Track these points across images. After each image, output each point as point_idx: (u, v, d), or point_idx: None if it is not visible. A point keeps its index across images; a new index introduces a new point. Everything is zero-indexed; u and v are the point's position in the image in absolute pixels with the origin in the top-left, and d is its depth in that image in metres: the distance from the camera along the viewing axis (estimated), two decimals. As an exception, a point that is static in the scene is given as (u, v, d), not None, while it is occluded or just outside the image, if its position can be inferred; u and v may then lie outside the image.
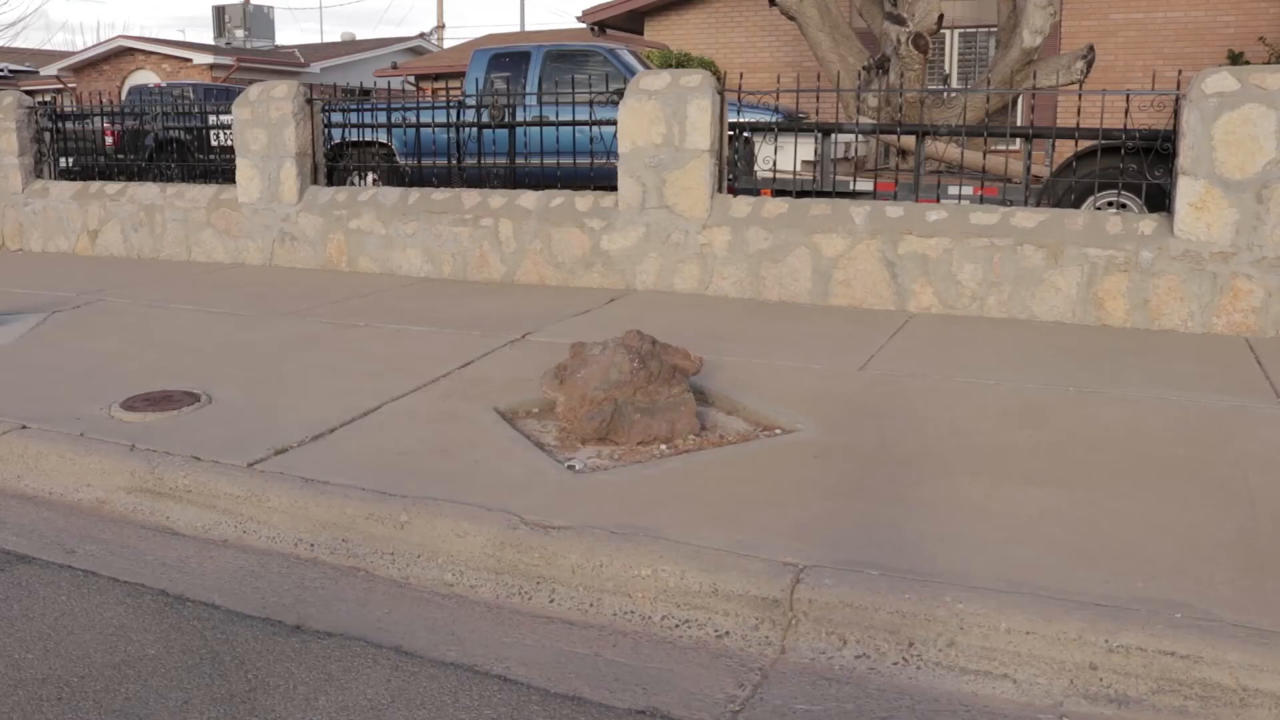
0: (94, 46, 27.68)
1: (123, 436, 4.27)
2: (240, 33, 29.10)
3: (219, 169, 9.66)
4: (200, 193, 9.10)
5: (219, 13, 29.48)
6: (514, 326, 6.12)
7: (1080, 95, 6.93)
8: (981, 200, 7.32)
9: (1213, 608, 2.78)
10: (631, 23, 18.31)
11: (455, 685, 2.76)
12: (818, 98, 7.94)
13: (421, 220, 8.01)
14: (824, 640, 2.90)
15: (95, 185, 9.71)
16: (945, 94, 11.33)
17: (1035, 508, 3.47)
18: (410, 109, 8.76)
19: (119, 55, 27.37)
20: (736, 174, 7.96)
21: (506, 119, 8.39)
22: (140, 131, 10.25)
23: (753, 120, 8.78)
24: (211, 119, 9.98)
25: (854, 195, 8.09)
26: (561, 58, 11.78)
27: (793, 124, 8.30)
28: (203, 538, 3.72)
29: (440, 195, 8.07)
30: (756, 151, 8.32)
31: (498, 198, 7.86)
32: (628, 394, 4.19)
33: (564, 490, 3.67)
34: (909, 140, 8.68)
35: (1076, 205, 7.34)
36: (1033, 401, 4.61)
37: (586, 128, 7.91)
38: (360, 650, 2.93)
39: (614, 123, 7.42)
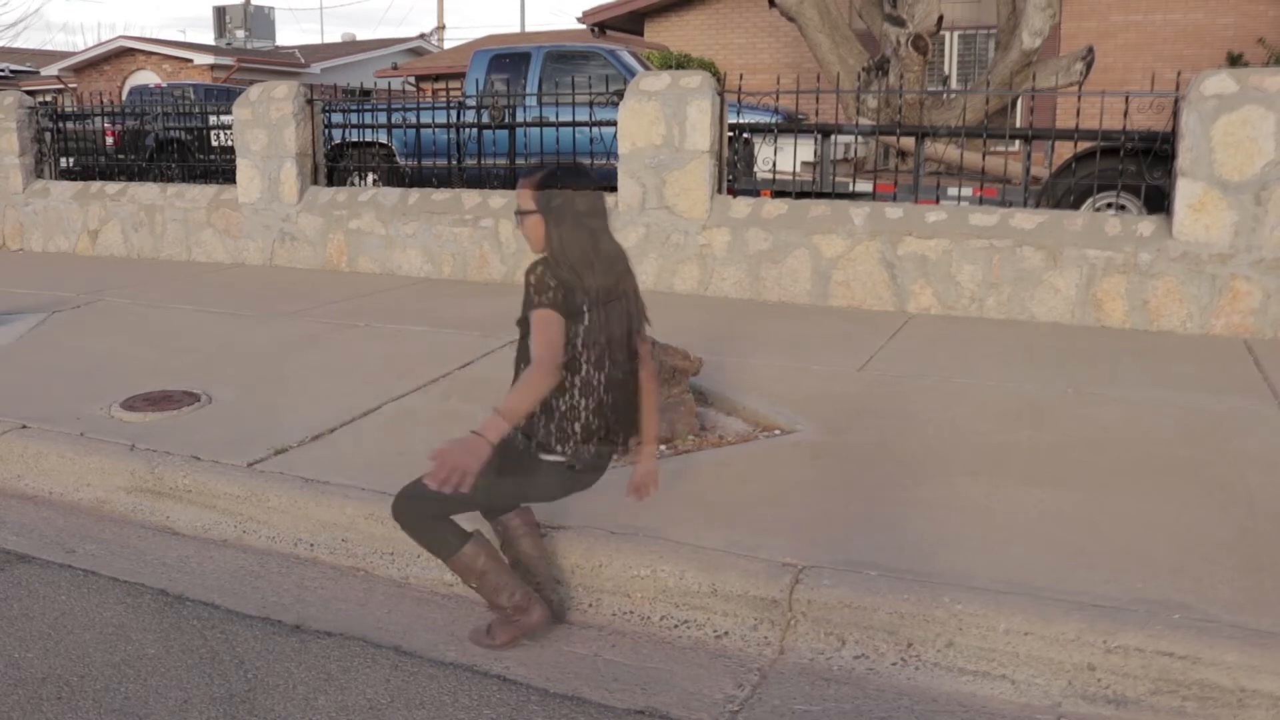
0: (95, 47, 27.67)
1: (123, 436, 4.27)
2: (241, 33, 29.11)
3: (219, 169, 9.67)
4: (200, 193, 9.10)
5: (219, 13, 29.50)
6: (514, 327, 6.11)
7: (1079, 97, 6.95)
8: (981, 201, 7.33)
9: (1211, 608, 2.78)
10: (632, 24, 18.31)
11: (455, 685, 2.76)
12: (817, 99, 7.94)
13: (421, 220, 8.02)
14: (823, 640, 2.91)
15: (96, 185, 9.71)
16: (945, 95, 11.33)
17: (1034, 508, 3.47)
18: (410, 109, 8.77)
19: (120, 55, 27.36)
20: (736, 175, 7.96)
21: (506, 120, 8.40)
22: (141, 132, 10.26)
23: (752, 121, 8.78)
24: (212, 119, 9.99)
25: (853, 196, 8.09)
26: (561, 58, 11.77)
27: (792, 125, 8.31)
28: (203, 538, 3.72)
29: (440, 196, 8.08)
30: (756, 152, 8.32)
31: (498, 198, 7.87)
32: (627, 394, 4.19)
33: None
34: (908, 141, 8.68)
35: (1076, 207, 7.33)
36: (1032, 402, 4.62)
37: (586, 128, 7.92)
38: (360, 650, 2.94)
39: (614, 123, 7.43)
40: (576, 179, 2.81)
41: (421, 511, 2.81)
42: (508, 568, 2.95)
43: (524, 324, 2.76)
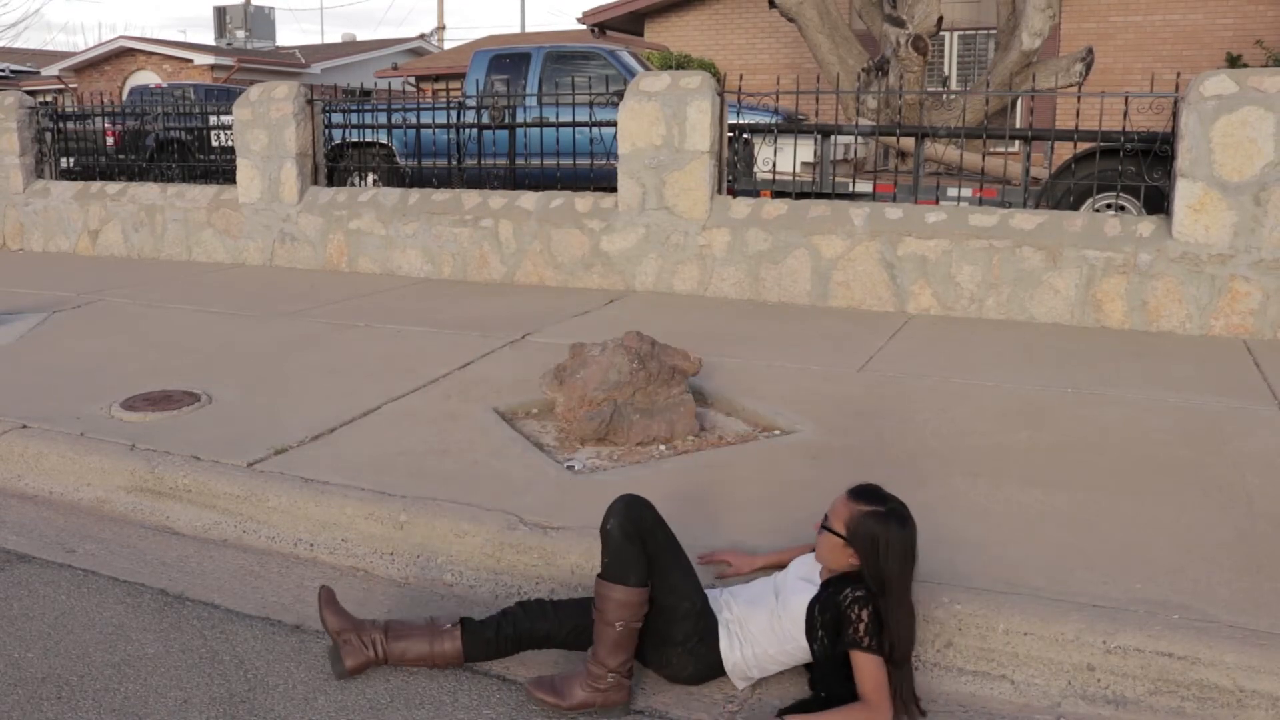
0: (95, 47, 27.70)
1: (123, 436, 4.27)
2: (241, 33, 29.14)
3: (219, 169, 9.68)
4: (201, 193, 9.11)
5: (220, 13, 29.52)
6: (514, 327, 6.13)
7: (1079, 97, 6.95)
8: (980, 202, 7.33)
9: (1210, 609, 2.78)
10: (632, 24, 18.32)
11: (454, 685, 2.76)
12: (817, 99, 7.95)
13: (422, 221, 8.02)
14: (822, 641, 2.91)
15: (96, 185, 9.72)
16: (944, 96, 11.34)
17: (1033, 508, 3.47)
18: (410, 110, 8.77)
19: (120, 56, 27.39)
20: (736, 175, 7.97)
21: (506, 120, 8.40)
22: (141, 132, 10.27)
23: (752, 122, 8.79)
24: (212, 119, 9.99)
25: (853, 197, 8.10)
26: (562, 59, 11.78)
27: (792, 125, 8.32)
28: (202, 537, 3.73)
29: (440, 196, 8.08)
30: (756, 153, 8.33)
31: (498, 198, 7.87)
32: (627, 395, 4.20)
33: (563, 490, 3.67)
34: (908, 142, 8.68)
35: (1075, 207, 7.35)
36: (1031, 402, 4.62)
37: (586, 129, 7.93)
38: (359, 650, 2.94)
39: (614, 124, 7.43)
40: (903, 525, 2.62)
41: (631, 535, 2.63)
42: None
43: (832, 651, 2.59)
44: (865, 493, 2.67)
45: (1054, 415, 4.45)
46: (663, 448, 4.16)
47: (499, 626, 2.76)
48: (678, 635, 2.68)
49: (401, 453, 4.06)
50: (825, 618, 2.59)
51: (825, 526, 2.65)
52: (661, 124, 7.09)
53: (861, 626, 2.53)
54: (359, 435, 4.28)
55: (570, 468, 3.94)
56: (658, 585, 2.67)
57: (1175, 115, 6.21)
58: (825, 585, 2.65)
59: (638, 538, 2.63)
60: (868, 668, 2.51)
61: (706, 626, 2.70)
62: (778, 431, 4.36)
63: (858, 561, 2.61)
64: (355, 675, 2.77)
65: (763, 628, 2.68)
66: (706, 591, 2.79)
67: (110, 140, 10.69)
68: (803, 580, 2.71)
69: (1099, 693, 2.67)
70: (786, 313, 6.64)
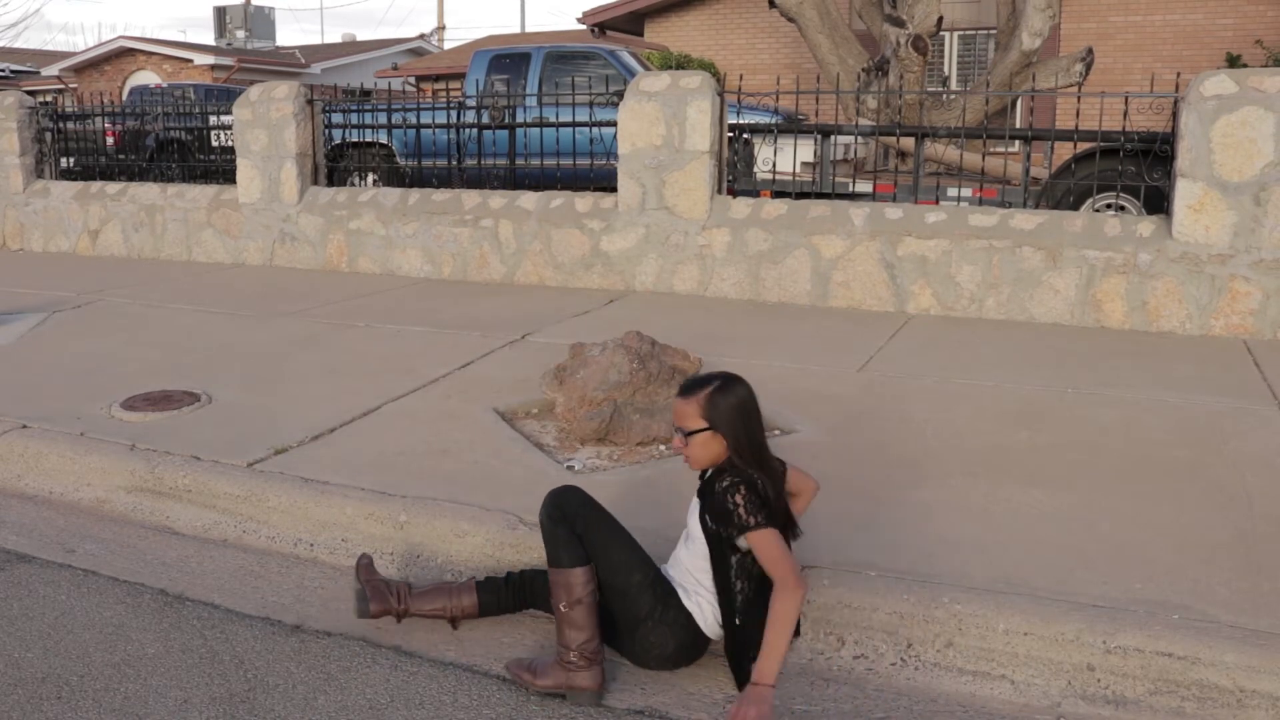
0: (95, 47, 27.70)
1: (123, 436, 4.28)
2: (241, 33, 29.14)
3: (220, 169, 9.68)
4: (201, 193, 9.11)
5: (220, 13, 29.53)
6: (514, 327, 6.13)
7: (1079, 97, 6.95)
8: (980, 202, 7.33)
9: (1210, 609, 2.79)
10: (632, 24, 18.31)
11: (454, 685, 2.76)
12: (817, 99, 7.95)
13: (422, 221, 8.02)
14: (822, 641, 2.91)
15: (96, 185, 9.72)
16: (944, 96, 11.34)
17: (1033, 509, 3.48)
18: (410, 110, 8.78)
19: (120, 56, 27.39)
20: (736, 175, 7.97)
21: (506, 120, 8.41)
22: (141, 132, 10.27)
23: (752, 122, 8.79)
24: (212, 119, 10.00)
25: (853, 197, 8.10)
26: (562, 59, 11.78)
27: (792, 125, 8.31)
28: (202, 537, 3.73)
29: (440, 196, 8.08)
30: (756, 153, 8.33)
31: (498, 199, 7.87)
32: (627, 395, 4.20)
33: (563, 491, 3.67)
34: (908, 142, 8.69)
35: (1075, 207, 7.35)
36: (1031, 403, 4.62)
37: (586, 129, 7.93)
38: (359, 650, 2.94)
39: (614, 124, 7.43)
40: (741, 385, 2.69)
41: (560, 518, 2.77)
42: (597, 617, 2.74)
43: (724, 544, 2.62)
44: (695, 382, 2.73)
45: (1054, 415, 4.45)
46: (663, 447, 4.16)
47: (508, 578, 3.03)
48: (641, 609, 2.74)
49: (401, 453, 4.06)
50: (716, 524, 2.63)
51: (688, 433, 2.67)
52: (661, 124, 7.09)
53: (742, 509, 2.57)
54: (359, 435, 4.28)
55: (570, 468, 3.94)
56: (601, 566, 2.77)
57: (1175, 115, 6.21)
58: (700, 496, 2.71)
59: (563, 520, 2.79)
60: (763, 544, 2.55)
61: (666, 591, 2.77)
62: (777, 431, 4.36)
63: (724, 448, 2.65)
64: (376, 618, 3.02)
65: (688, 557, 2.75)
66: (661, 569, 2.85)
67: (110, 140, 10.69)
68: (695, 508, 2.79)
69: (1099, 693, 2.67)
70: (786, 313, 6.64)
